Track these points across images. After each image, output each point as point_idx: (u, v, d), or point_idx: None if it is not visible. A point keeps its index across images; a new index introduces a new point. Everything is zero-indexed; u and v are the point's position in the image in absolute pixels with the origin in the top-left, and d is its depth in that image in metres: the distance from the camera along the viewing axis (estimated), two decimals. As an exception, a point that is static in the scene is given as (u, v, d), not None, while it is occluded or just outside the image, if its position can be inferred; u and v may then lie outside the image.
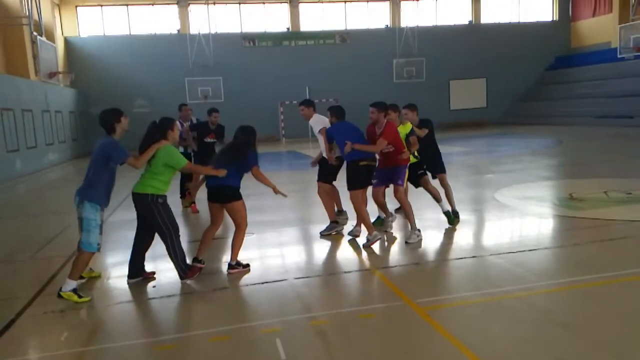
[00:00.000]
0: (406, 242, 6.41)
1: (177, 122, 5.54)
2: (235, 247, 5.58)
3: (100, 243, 4.97)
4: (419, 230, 6.51)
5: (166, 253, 5.36)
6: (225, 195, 5.49)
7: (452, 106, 32.30)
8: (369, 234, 6.38)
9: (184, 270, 5.30)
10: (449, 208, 7.15)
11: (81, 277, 5.09)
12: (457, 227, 7.12)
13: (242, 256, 5.97)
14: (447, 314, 4.27)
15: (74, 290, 4.89)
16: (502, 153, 16.75)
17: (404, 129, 6.81)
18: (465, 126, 30.86)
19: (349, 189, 6.37)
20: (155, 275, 5.56)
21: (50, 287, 5.47)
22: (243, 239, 5.61)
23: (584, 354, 3.52)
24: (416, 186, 7.40)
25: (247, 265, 5.69)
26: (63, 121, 22.59)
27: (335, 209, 7.38)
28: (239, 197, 5.53)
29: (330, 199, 7.15)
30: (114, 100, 27.73)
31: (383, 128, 6.42)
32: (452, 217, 7.08)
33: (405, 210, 6.67)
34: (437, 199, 7.15)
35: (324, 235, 7.05)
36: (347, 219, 7.34)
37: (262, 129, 11.83)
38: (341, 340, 3.92)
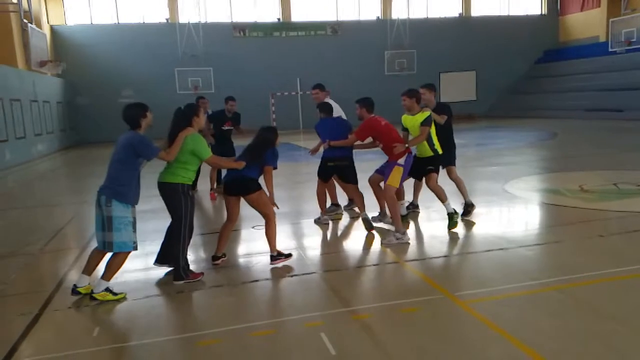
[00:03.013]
0: (381, 243, 6.18)
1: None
2: (271, 238, 5.44)
3: (135, 241, 4.71)
4: (403, 234, 6.11)
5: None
6: (244, 187, 5.36)
7: (442, 99, 32.08)
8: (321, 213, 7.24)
9: (185, 272, 5.02)
10: (452, 210, 6.59)
11: (78, 293, 4.74)
12: (477, 219, 7.07)
13: (264, 248, 5.85)
14: (492, 308, 4.18)
15: (107, 289, 4.66)
16: (499, 145, 16.78)
17: (421, 116, 6.45)
18: (455, 119, 30.88)
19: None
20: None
21: (68, 280, 5.28)
22: (276, 229, 5.48)
23: (644, 348, 3.47)
24: (419, 179, 7.17)
25: (290, 255, 5.57)
26: (51, 111, 22.11)
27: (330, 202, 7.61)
28: (257, 187, 5.40)
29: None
30: (102, 90, 27.32)
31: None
32: (455, 221, 6.53)
33: (390, 211, 6.36)
34: (442, 198, 6.61)
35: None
36: (341, 213, 7.62)
37: (253, 120, 11.76)
38: (390, 335, 3.81)
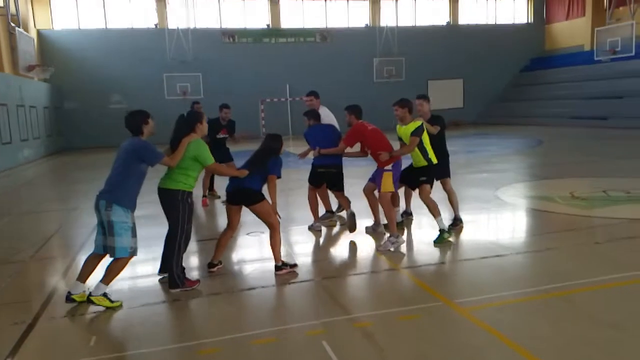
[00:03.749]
0: (376, 249, 6.20)
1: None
2: (275, 248, 5.37)
3: (133, 247, 4.64)
4: (397, 237, 6.13)
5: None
6: (246, 197, 5.32)
7: (430, 106, 32.43)
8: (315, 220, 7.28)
9: (181, 280, 4.97)
10: (445, 226, 6.42)
11: (72, 300, 4.68)
12: (471, 226, 7.10)
13: (260, 255, 5.83)
14: (492, 315, 4.19)
15: (105, 295, 4.60)
16: (489, 153, 16.90)
17: (412, 126, 6.38)
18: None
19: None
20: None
21: (61, 288, 5.21)
22: (280, 238, 5.42)
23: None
24: (413, 189, 7.13)
25: (295, 265, 5.51)
26: (37, 116, 21.84)
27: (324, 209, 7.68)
28: (261, 197, 5.35)
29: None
30: (89, 96, 27.13)
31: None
32: (444, 238, 6.29)
33: (385, 215, 6.27)
34: (434, 213, 6.38)
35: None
36: (336, 220, 7.69)
37: (242, 126, 11.71)
38: (391, 342, 3.80)
